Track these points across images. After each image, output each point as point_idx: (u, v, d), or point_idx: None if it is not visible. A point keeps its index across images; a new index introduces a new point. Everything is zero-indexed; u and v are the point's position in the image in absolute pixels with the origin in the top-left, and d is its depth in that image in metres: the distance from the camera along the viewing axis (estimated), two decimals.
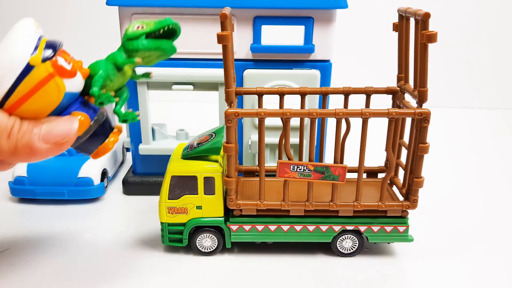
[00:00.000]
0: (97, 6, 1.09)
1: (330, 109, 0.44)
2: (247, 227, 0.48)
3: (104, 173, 0.64)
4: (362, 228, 0.48)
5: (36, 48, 0.33)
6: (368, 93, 0.53)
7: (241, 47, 0.58)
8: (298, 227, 0.48)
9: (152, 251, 0.50)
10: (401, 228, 0.48)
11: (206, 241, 0.49)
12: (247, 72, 0.58)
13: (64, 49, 0.36)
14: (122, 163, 0.75)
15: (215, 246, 0.49)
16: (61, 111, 0.35)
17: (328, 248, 0.50)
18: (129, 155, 0.77)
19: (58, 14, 1.14)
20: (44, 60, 0.33)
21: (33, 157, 0.35)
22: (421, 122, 0.44)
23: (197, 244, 0.49)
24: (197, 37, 0.57)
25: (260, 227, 0.48)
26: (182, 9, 0.56)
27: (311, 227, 0.48)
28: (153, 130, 0.63)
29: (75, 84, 0.35)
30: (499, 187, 0.69)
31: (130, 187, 0.64)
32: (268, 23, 0.57)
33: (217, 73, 0.58)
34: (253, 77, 0.58)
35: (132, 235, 0.53)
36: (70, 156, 0.64)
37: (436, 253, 0.51)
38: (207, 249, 0.49)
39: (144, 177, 0.64)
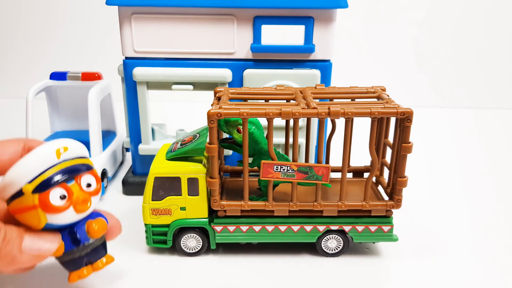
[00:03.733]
0: (97, 6, 1.09)
1: (313, 110, 0.44)
2: (231, 228, 0.48)
3: (104, 173, 0.64)
4: (347, 228, 0.48)
5: (34, 178, 0.35)
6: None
7: (241, 47, 0.58)
8: (282, 228, 0.48)
9: (145, 252, 0.50)
10: (386, 228, 0.48)
11: (191, 241, 0.49)
12: (247, 72, 0.58)
13: (86, 174, 0.38)
14: (121, 163, 0.75)
15: (200, 246, 0.49)
16: (48, 229, 0.37)
17: (313, 248, 0.50)
18: (128, 155, 0.77)
19: (58, 14, 1.14)
20: (35, 192, 0.35)
21: (13, 265, 0.36)
22: (404, 122, 0.44)
23: (181, 244, 0.49)
24: (197, 37, 0.57)
25: (244, 228, 0.48)
26: (182, 9, 0.56)
27: (295, 227, 0.48)
28: (153, 130, 0.63)
29: (63, 218, 0.36)
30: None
31: (130, 187, 0.64)
32: (268, 23, 0.57)
33: (217, 73, 0.58)
34: (253, 77, 0.58)
35: (132, 235, 0.53)
36: None
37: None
38: (192, 250, 0.49)
39: (144, 177, 0.63)
